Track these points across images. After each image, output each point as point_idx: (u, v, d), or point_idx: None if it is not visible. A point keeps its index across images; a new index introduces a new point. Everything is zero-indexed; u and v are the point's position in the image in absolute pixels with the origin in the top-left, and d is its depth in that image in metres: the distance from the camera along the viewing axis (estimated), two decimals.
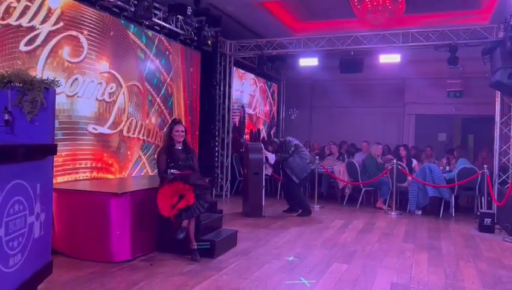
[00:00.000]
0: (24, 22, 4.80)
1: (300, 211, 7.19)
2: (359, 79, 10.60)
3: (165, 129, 7.07)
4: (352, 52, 8.88)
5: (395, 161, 7.78)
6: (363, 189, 8.23)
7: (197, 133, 8.58)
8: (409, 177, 7.76)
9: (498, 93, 7.62)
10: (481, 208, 7.08)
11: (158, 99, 7.30)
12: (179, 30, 7.56)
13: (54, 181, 4.39)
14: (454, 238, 5.86)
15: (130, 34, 6.58)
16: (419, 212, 7.65)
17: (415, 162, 8.45)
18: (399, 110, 12.14)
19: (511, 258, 4.93)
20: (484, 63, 7.64)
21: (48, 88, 3.30)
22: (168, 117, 7.48)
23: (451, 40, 7.86)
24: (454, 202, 7.55)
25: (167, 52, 7.53)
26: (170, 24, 7.30)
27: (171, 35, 7.55)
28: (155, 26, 7.11)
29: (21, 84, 3.21)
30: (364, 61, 9.16)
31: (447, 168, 8.20)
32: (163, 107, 7.44)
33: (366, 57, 9.16)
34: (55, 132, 4.72)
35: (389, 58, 8.86)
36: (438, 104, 11.50)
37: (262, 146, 7.18)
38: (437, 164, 8.19)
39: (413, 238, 5.81)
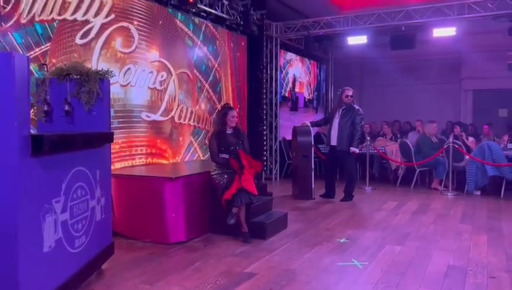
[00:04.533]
0: (79, 16, 5.02)
1: (344, 195, 6.75)
2: (411, 55, 10.18)
3: (214, 115, 7.21)
4: (403, 28, 8.52)
5: (451, 140, 7.46)
6: (418, 169, 7.98)
7: (245, 117, 8.66)
8: (467, 156, 7.42)
9: None
10: None
11: (207, 85, 7.42)
12: (224, 15, 7.59)
13: (112, 167, 4.62)
14: None
15: (178, 22, 6.71)
16: (478, 192, 7.31)
17: (471, 138, 8.06)
18: (455, 86, 11.58)
19: None
20: None
21: (102, 79, 3.46)
22: (217, 102, 7.60)
23: None
24: None
25: (214, 38, 7.61)
26: (216, 10, 7.35)
27: (217, 21, 7.60)
28: (201, 13, 7.19)
29: (78, 76, 3.39)
30: (417, 36, 8.75)
31: (509, 145, 7.75)
32: (211, 93, 7.56)
33: (418, 32, 8.75)
34: (112, 120, 4.95)
35: (444, 32, 8.42)
36: (498, 78, 10.81)
37: (311, 129, 7.08)
38: (497, 142, 7.77)
39: (471, 219, 5.58)
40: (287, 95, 10.49)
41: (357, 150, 6.66)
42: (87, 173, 3.15)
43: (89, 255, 3.17)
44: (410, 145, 8.03)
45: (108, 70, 3.53)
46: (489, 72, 10.79)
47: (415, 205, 6.50)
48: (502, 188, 7.11)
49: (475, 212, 5.97)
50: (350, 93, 6.70)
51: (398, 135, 9.52)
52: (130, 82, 5.75)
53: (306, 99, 11.55)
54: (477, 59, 10.82)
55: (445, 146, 7.47)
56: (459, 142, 7.65)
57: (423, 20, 8.10)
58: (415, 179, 8.05)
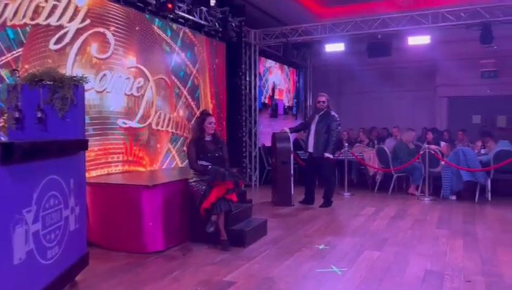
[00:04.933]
0: (52, 21, 4.91)
1: (323, 201, 6.78)
2: (388, 63, 10.37)
3: (193, 121, 7.15)
4: (379, 36, 8.66)
5: (427, 146, 7.59)
6: (395, 175, 8.09)
7: (224, 124, 8.62)
8: (442, 162, 7.56)
9: None
10: None
11: (185, 91, 7.37)
12: (203, 22, 7.57)
13: (88, 175, 4.54)
14: (491, 223, 5.68)
15: (155, 28, 6.64)
16: (454, 197, 7.45)
17: (442, 143, 8.23)
18: (430, 94, 11.83)
19: None
20: None
21: (77, 85, 3.38)
22: (195, 109, 7.55)
23: (484, 18, 7.54)
24: (490, 186, 7.31)
25: (192, 45, 7.56)
26: (194, 16, 7.32)
27: (195, 27, 7.57)
28: (179, 19, 7.15)
29: (52, 82, 3.31)
30: (393, 44, 8.91)
31: (483, 151, 7.94)
32: (190, 100, 7.50)
33: (394, 40, 8.92)
34: (87, 127, 4.86)
35: (418, 40, 8.59)
36: (472, 86, 11.11)
37: (290, 135, 7.10)
38: (472, 147, 7.95)
39: (448, 224, 5.68)
40: (266, 102, 10.54)
41: (331, 156, 6.68)
42: (60, 182, 3.06)
43: (62, 267, 3.07)
44: (387, 151, 8.14)
45: (83, 76, 3.46)
46: (463, 79, 11.07)
47: (393, 210, 6.57)
48: (476, 192, 7.26)
49: (451, 217, 6.08)
50: (322, 99, 6.76)
51: (376, 141, 9.65)
52: (106, 88, 5.65)
53: (285, 106, 11.62)
54: (451, 67, 11.08)
55: (422, 152, 7.60)
56: (435, 148, 7.79)
57: (399, 28, 8.25)
58: (392, 185, 8.15)
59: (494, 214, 6.26)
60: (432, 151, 7.53)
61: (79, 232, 3.40)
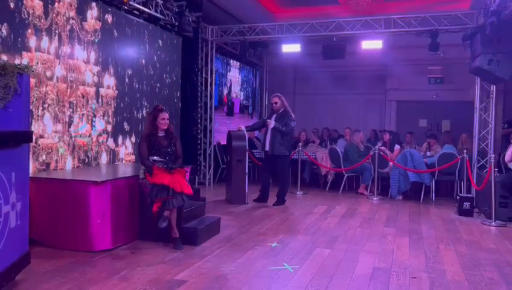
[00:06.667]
0: None
1: (276, 199, 6.89)
2: (342, 65, 10.59)
3: (146, 116, 6.95)
4: (334, 39, 8.83)
5: (377, 147, 7.85)
6: (346, 175, 8.29)
7: (179, 120, 8.47)
8: (391, 163, 7.84)
9: (478, 79, 7.71)
10: (460, 193, 7.22)
11: None
12: (158, 15, 7.39)
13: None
14: (435, 222, 5.95)
15: None
16: (400, 197, 7.75)
17: (397, 146, 8.55)
18: (381, 97, 12.21)
19: (489, 241, 5.04)
20: (464, 49, 7.70)
21: (21, 73, 3.19)
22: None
23: (433, 26, 7.89)
24: (434, 187, 7.67)
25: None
26: (150, 9, 7.13)
27: (150, 20, 7.37)
28: (134, 11, 6.93)
29: None
30: (347, 47, 9.10)
31: (428, 153, 8.31)
32: None
33: (348, 43, 9.12)
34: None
35: (371, 45, 8.84)
36: (419, 91, 11.58)
37: (246, 134, 7.09)
38: (418, 150, 8.30)
39: (395, 222, 5.89)
40: (223, 99, 10.47)
41: (272, 123, 6.70)
42: (0, 176, 2.87)
43: (1, 266, 2.88)
44: (339, 151, 8.33)
45: (28, 65, 3.26)
46: (412, 84, 11.51)
47: (344, 209, 6.74)
48: (421, 193, 7.59)
49: (398, 216, 6.31)
50: (275, 100, 6.90)
51: (328, 142, 9.84)
52: None
53: (242, 105, 11.60)
54: (401, 72, 11.46)
55: (371, 153, 7.85)
56: (384, 149, 8.06)
57: (353, 31, 8.46)
58: (343, 184, 8.36)
59: (437, 214, 6.57)
60: (382, 153, 7.79)
61: (20, 229, 3.21)
